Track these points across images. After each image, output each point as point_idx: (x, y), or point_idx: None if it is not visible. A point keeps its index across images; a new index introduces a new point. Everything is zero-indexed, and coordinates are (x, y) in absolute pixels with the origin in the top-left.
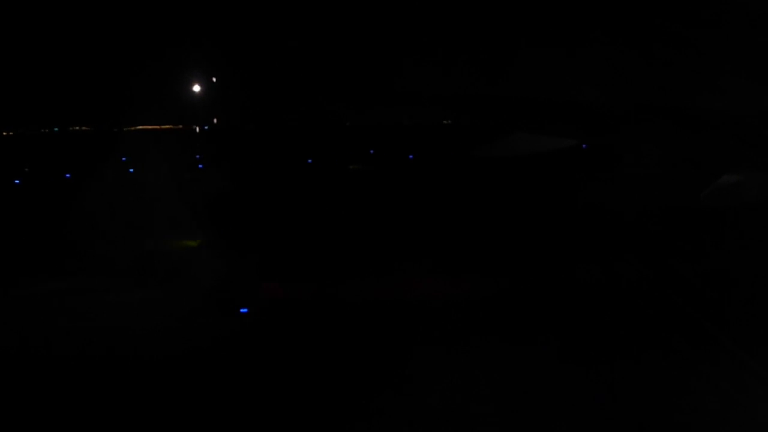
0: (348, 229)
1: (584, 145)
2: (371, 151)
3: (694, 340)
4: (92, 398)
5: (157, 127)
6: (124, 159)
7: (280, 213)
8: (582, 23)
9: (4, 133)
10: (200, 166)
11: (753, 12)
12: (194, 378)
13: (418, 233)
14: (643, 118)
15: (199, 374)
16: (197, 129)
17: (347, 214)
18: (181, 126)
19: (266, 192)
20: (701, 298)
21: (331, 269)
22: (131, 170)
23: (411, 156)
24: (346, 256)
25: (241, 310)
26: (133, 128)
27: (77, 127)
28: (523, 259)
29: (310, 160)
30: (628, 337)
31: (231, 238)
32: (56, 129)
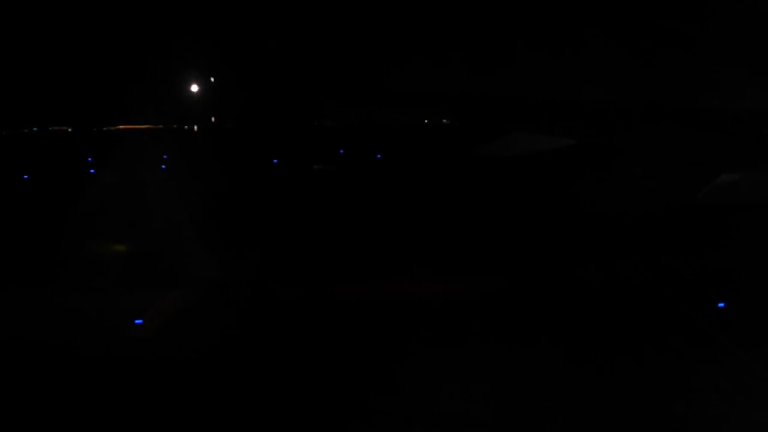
0: (343, 230)
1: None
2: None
3: (693, 340)
4: (89, 400)
5: (135, 126)
6: (90, 159)
7: (273, 213)
8: (583, 22)
9: None
10: (163, 167)
11: (755, 13)
12: (193, 379)
13: (417, 233)
14: (643, 117)
15: (197, 375)
16: (175, 128)
17: (341, 214)
18: (161, 126)
19: (257, 192)
20: (701, 297)
21: (328, 270)
22: (92, 171)
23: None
24: (343, 257)
25: (136, 321)
26: (112, 128)
27: (58, 127)
28: (522, 259)
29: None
30: (628, 336)
31: (227, 238)
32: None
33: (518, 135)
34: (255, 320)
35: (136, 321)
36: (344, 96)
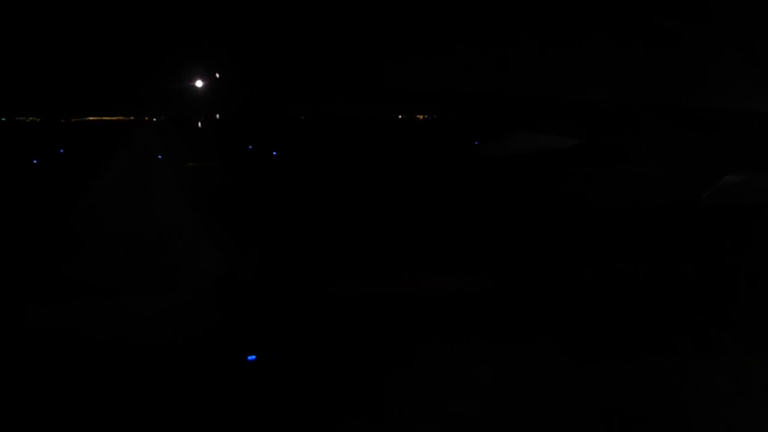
0: (341, 226)
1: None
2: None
3: (695, 341)
4: (89, 403)
5: (104, 118)
6: (62, 150)
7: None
8: (585, 21)
9: None
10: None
11: (757, 15)
12: (193, 378)
13: (420, 231)
14: (647, 117)
15: (198, 374)
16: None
17: (337, 210)
18: (132, 118)
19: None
20: (703, 298)
21: (327, 266)
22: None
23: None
24: (343, 255)
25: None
26: (82, 119)
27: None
28: (525, 258)
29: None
30: (629, 336)
31: (227, 234)
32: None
33: (520, 134)
34: (255, 318)
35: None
36: (339, 92)
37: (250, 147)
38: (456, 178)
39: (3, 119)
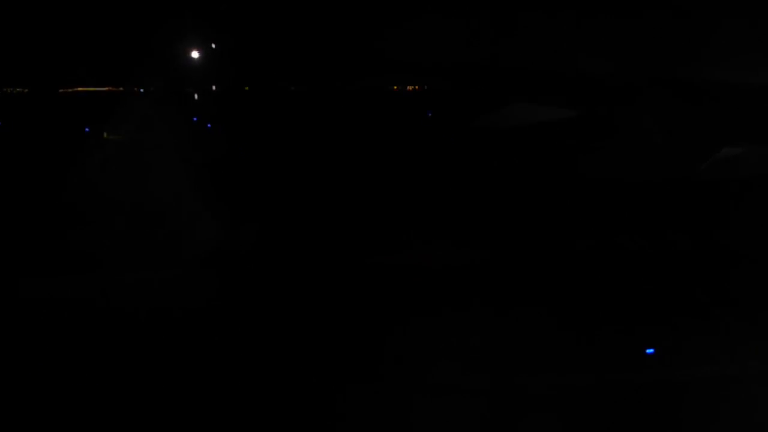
0: (341, 203)
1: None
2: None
3: (692, 315)
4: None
5: (94, 89)
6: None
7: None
8: None
9: None
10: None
11: None
12: (194, 355)
13: (415, 204)
14: (646, 89)
15: (198, 351)
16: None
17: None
18: (122, 88)
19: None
20: (701, 272)
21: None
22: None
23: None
24: (342, 231)
25: None
26: (70, 90)
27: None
28: (521, 232)
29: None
30: (626, 310)
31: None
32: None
33: (516, 106)
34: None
35: None
36: (327, 61)
37: (195, 118)
38: (450, 151)
39: None
